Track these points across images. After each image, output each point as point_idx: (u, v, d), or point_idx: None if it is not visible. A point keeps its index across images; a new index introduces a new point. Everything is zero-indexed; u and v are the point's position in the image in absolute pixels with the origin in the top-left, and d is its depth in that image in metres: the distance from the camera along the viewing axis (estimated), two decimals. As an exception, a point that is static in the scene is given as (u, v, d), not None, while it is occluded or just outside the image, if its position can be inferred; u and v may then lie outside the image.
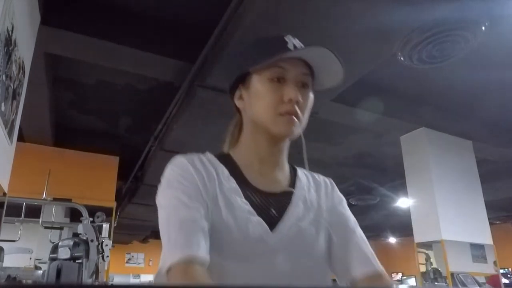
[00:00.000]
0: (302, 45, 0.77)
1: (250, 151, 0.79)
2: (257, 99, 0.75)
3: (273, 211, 0.73)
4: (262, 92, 0.74)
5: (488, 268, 3.81)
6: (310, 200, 0.80)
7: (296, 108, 0.73)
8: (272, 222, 0.72)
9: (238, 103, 0.80)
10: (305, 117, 0.76)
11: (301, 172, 0.86)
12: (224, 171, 0.75)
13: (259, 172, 0.78)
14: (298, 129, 0.75)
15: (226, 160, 0.78)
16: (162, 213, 0.69)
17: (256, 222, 0.70)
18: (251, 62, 0.75)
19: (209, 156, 0.78)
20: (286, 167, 0.83)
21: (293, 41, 0.76)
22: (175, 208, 0.67)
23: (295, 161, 0.88)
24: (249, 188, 0.74)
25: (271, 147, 0.78)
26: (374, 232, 11.61)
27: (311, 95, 0.78)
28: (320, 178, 0.88)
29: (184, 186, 0.69)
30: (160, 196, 0.71)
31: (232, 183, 0.74)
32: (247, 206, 0.71)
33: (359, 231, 0.82)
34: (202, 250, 0.63)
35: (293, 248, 0.72)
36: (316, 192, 0.83)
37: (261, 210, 0.72)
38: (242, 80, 0.78)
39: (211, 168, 0.74)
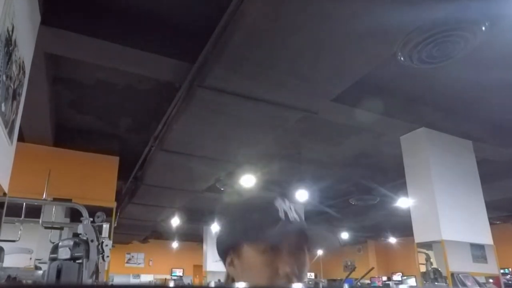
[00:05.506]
0: (295, 214, 0.73)
1: None
2: (250, 270, 0.70)
3: None
4: (255, 264, 0.70)
5: (488, 268, 3.81)
6: None
7: (293, 279, 0.68)
8: None
9: (229, 269, 0.75)
10: (303, 279, 0.71)
11: None
12: None
13: None
14: None
15: None
16: None
17: None
18: (242, 233, 0.72)
19: None
20: None
21: (284, 208, 0.72)
22: None
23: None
24: None
25: None
26: (374, 232, 11.62)
27: (307, 259, 0.73)
28: None
29: None
30: None
31: None
32: None
33: None
34: None
35: None
36: None
37: None
38: (233, 246, 0.74)
39: None
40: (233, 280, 0.76)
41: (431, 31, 2.37)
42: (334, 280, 13.18)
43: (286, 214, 0.71)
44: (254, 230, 0.70)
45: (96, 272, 2.91)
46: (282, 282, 0.68)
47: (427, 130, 4.00)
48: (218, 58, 2.67)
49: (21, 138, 4.10)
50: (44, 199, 3.64)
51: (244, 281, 0.72)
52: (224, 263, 0.77)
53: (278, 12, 2.19)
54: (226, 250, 0.76)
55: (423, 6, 2.17)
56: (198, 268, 12.49)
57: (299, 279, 0.69)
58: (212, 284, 0.67)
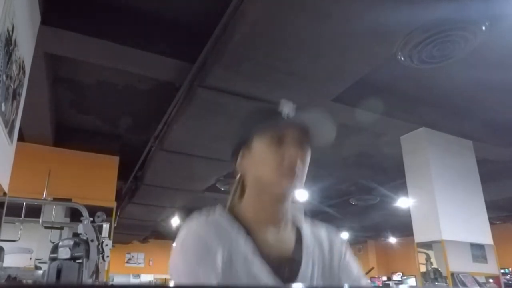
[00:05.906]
0: (298, 112, 0.81)
1: (256, 210, 0.82)
2: (260, 160, 0.81)
3: (287, 272, 0.78)
4: (264, 154, 0.80)
5: (488, 268, 3.81)
6: (316, 258, 0.85)
7: (297, 166, 0.78)
8: (288, 282, 0.77)
9: (241, 162, 0.85)
10: (304, 173, 0.81)
11: (305, 229, 0.89)
12: (239, 234, 0.78)
13: (268, 232, 0.81)
14: (300, 186, 0.79)
15: (238, 220, 0.81)
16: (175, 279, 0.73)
17: (275, 284, 0.75)
18: (251, 127, 0.83)
19: (221, 216, 0.81)
20: (290, 224, 0.86)
21: (288, 107, 0.81)
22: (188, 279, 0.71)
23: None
24: (264, 250, 0.78)
25: (276, 205, 0.82)
26: (374, 232, 11.61)
27: (309, 152, 0.83)
28: (322, 233, 0.91)
29: (197, 260, 0.71)
30: (174, 264, 0.73)
31: (249, 246, 0.77)
32: (265, 268, 0.75)
33: (363, 280, 0.90)
34: None
35: None
36: (319, 249, 0.87)
37: (276, 272, 0.76)
38: (244, 142, 0.84)
39: (225, 234, 0.77)
40: (244, 181, 0.86)
41: (431, 31, 2.37)
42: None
43: (289, 112, 0.81)
44: (262, 123, 0.81)
45: (96, 272, 2.91)
46: (287, 172, 0.77)
47: (427, 130, 4.00)
48: (218, 58, 2.67)
49: (21, 138, 4.10)
50: (44, 199, 3.64)
51: (254, 172, 0.82)
52: (235, 164, 0.86)
53: (278, 12, 2.19)
54: (239, 145, 0.85)
55: (423, 6, 2.17)
56: (198, 268, 12.45)
57: (302, 168, 0.79)
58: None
